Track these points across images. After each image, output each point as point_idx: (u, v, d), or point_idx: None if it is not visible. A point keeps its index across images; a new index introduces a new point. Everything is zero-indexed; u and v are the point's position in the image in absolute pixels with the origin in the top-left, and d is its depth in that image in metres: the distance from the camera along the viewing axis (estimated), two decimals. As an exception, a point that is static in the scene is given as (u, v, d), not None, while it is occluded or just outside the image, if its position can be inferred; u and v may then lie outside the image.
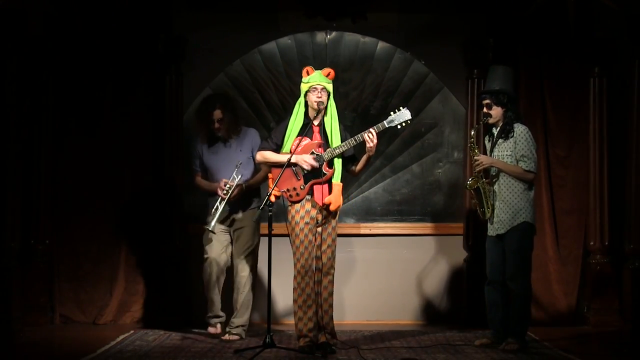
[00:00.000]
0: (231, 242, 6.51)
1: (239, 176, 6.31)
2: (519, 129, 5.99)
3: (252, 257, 6.46)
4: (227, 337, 6.36)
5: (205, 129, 6.44)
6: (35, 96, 6.87)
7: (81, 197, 7.08)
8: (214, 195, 6.37)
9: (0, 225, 6.34)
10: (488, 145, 6.20)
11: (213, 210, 6.30)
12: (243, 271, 6.41)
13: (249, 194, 6.45)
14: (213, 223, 6.27)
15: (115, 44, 7.07)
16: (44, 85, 6.94)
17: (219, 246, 6.45)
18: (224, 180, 6.31)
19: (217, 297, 6.50)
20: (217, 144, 6.45)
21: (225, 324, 6.50)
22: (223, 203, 6.29)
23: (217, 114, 6.37)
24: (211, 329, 6.51)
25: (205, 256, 6.46)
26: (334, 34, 7.40)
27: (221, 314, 6.53)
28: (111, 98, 7.12)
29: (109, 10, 7.02)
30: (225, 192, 6.28)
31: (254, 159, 6.35)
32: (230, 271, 6.54)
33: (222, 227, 6.44)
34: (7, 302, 6.28)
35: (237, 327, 6.40)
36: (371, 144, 5.87)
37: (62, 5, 6.93)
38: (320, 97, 5.90)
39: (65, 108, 7.07)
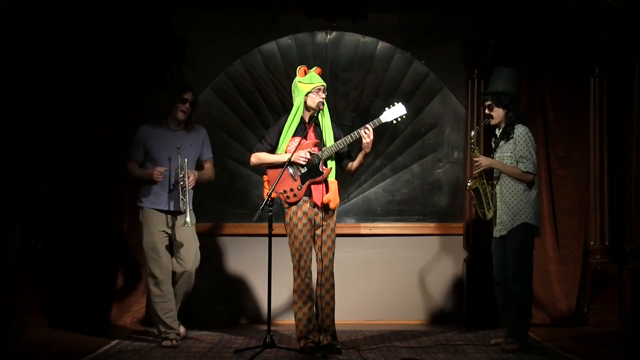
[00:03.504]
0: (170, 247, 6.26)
1: (186, 160, 6.10)
2: (519, 130, 5.98)
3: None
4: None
5: (165, 109, 6.19)
6: (35, 96, 6.86)
7: (81, 197, 7.07)
8: (148, 183, 6.15)
9: (0, 225, 6.33)
10: (493, 146, 6.20)
11: (181, 204, 6.05)
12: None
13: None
14: (189, 217, 6.04)
15: (115, 44, 7.07)
16: (43, 85, 6.93)
17: (168, 263, 6.22)
18: (159, 167, 6.10)
19: None
20: (165, 131, 6.21)
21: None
22: (186, 192, 6.07)
23: (189, 95, 6.24)
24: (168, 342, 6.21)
25: (154, 278, 6.17)
26: (334, 34, 7.40)
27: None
28: (111, 98, 7.13)
29: (109, 10, 7.02)
30: (182, 181, 6.06)
31: (199, 157, 6.29)
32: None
33: (163, 233, 6.22)
34: (7, 302, 6.27)
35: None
36: (367, 140, 5.86)
37: (62, 5, 6.92)
38: (323, 98, 5.91)
39: (65, 108, 7.06)
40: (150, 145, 6.22)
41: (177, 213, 6.19)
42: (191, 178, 6.14)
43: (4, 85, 6.39)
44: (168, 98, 6.24)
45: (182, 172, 6.11)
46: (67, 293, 7.03)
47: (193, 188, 6.22)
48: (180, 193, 6.09)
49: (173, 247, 6.25)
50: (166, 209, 6.18)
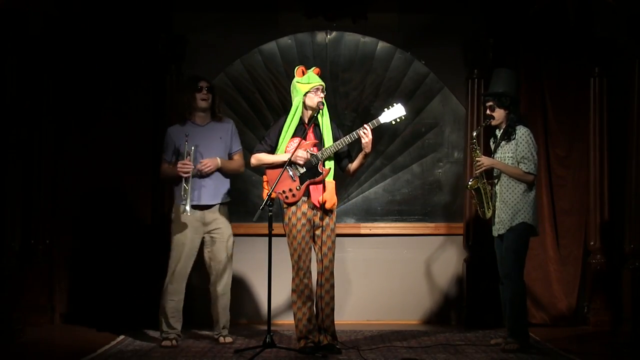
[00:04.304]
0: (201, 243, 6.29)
1: (192, 147, 6.10)
2: (521, 131, 6.00)
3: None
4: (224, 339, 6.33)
5: (186, 102, 6.22)
6: (35, 96, 6.86)
7: (81, 197, 7.08)
8: (180, 182, 6.13)
9: (0, 225, 6.33)
10: (492, 146, 6.21)
11: (182, 192, 6.05)
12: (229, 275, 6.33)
13: (221, 186, 6.26)
14: (188, 206, 5.99)
15: (115, 44, 7.07)
16: (43, 85, 6.94)
17: (186, 263, 6.27)
18: (180, 162, 6.09)
19: None
20: (193, 128, 6.22)
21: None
22: (189, 181, 6.04)
23: (204, 83, 6.25)
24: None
25: (170, 274, 6.25)
26: (334, 34, 7.40)
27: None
28: (111, 98, 7.12)
29: (109, 10, 7.02)
30: (186, 170, 6.05)
31: (230, 150, 6.29)
32: (195, 274, 6.47)
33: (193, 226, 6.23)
34: (7, 302, 6.27)
35: (225, 328, 6.37)
36: (366, 140, 5.87)
37: (62, 5, 6.92)
38: (322, 98, 5.91)
39: (65, 108, 7.06)
40: (180, 144, 6.21)
41: (210, 207, 6.19)
42: (210, 165, 6.12)
43: (4, 85, 6.40)
44: (185, 92, 6.27)
45: (188, 159, 6.09)
46: (68, 293, 7.03)
47: (226, 177, 6.25)
48: (183, 181, 6.07)
49: (204, 244, 6.28)
50: (197, 203, 6.15)
